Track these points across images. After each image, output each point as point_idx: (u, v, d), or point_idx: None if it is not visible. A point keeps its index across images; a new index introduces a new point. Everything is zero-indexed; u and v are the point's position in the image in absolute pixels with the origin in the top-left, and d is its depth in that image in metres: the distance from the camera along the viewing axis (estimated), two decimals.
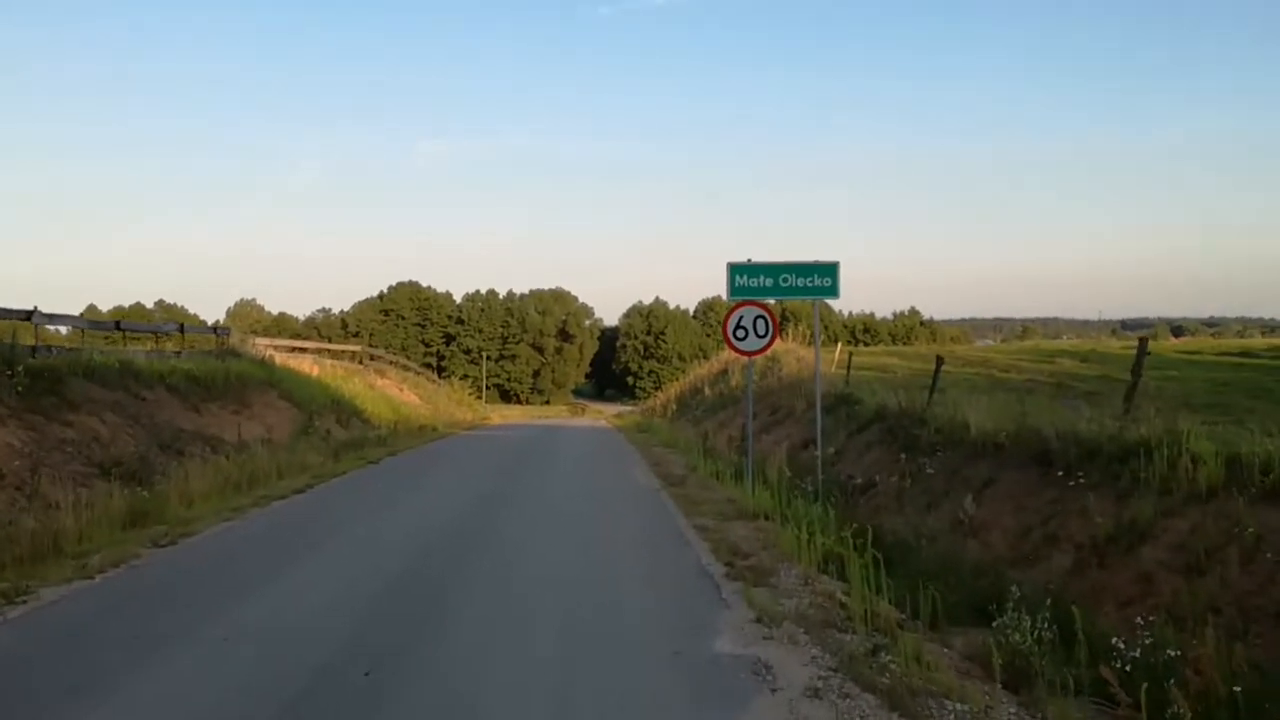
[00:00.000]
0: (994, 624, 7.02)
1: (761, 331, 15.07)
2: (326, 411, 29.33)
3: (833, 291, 15.15)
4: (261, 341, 34.72)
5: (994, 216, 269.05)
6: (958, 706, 5.52)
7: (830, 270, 15.12)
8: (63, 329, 25.44)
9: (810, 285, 15.15)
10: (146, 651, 6.49)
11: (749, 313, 15.06)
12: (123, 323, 23.53)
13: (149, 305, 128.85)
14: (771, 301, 15.57)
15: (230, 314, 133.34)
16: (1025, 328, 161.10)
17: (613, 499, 15.38)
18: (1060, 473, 10.62)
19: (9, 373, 15.29)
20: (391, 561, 9.78)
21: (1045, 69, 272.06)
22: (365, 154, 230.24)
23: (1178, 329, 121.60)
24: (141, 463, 16.11)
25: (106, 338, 26.28)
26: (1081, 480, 10.16)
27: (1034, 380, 27.46)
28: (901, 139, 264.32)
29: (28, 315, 18.74)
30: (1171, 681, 5.45)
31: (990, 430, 12.79)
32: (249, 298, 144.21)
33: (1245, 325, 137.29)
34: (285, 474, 17.84)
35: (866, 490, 15.05)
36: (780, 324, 16.46)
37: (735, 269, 15.16)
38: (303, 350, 40.57)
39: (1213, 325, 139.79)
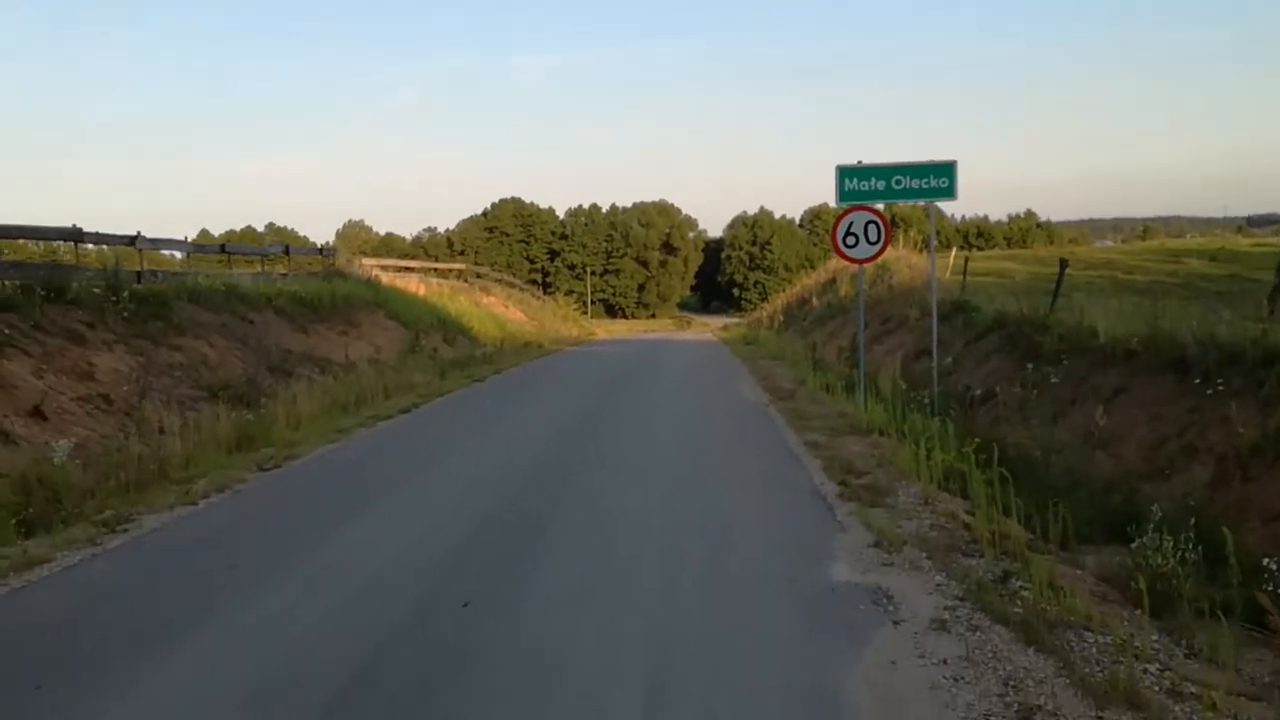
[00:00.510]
0: (1133, 545, 6.49)
1: (873, 238, 14.40)
2: (433, 330, 29.49)
3: (949, 193, 14.38)
4: (368, 262, 35.02)
5: (1111, 113, 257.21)
6: (1099, 638, 5.04)
7: (947, 170, 14.32)
8: (177, 254, 25.62)
9: (925, 187, 14.38)
10: (247, 581, 6.38)
11: (859, 218, 14.39)
12: (228, 245, 23.74)
13: (260, 229, 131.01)
14: (881, 206, 14.88)
15: (339, 235, 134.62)
16: (1146, 227, 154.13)
17: (719, 416, 15.02)
18: (1198, 380, 9.89)
19: (114, 298, 15.43)
20: (493, 484, 9.60)
21: None
22: (466, 72, 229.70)
23: None
24: (250, 385, 16.24)
25: (220, 261, 26.56)
26: (1221, 388, 9.44)
27: (1160, 282, 26.21)
28: (1014, 35, 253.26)
29: (131, 240, 18.87)
30: None
31: (1121, 336, 12.02)
32: (357, 219, 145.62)
33: None
34: (392, 393, 17.87)
35: (986, 401, 14.40)
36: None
37: (845, 172, 14.45)
38: (409, 270, 40.81)
39: None
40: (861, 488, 8.65)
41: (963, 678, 4.54)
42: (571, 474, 10.03)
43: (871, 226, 14.39)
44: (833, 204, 15.04)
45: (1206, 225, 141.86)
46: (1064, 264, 17.49)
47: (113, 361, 14.28)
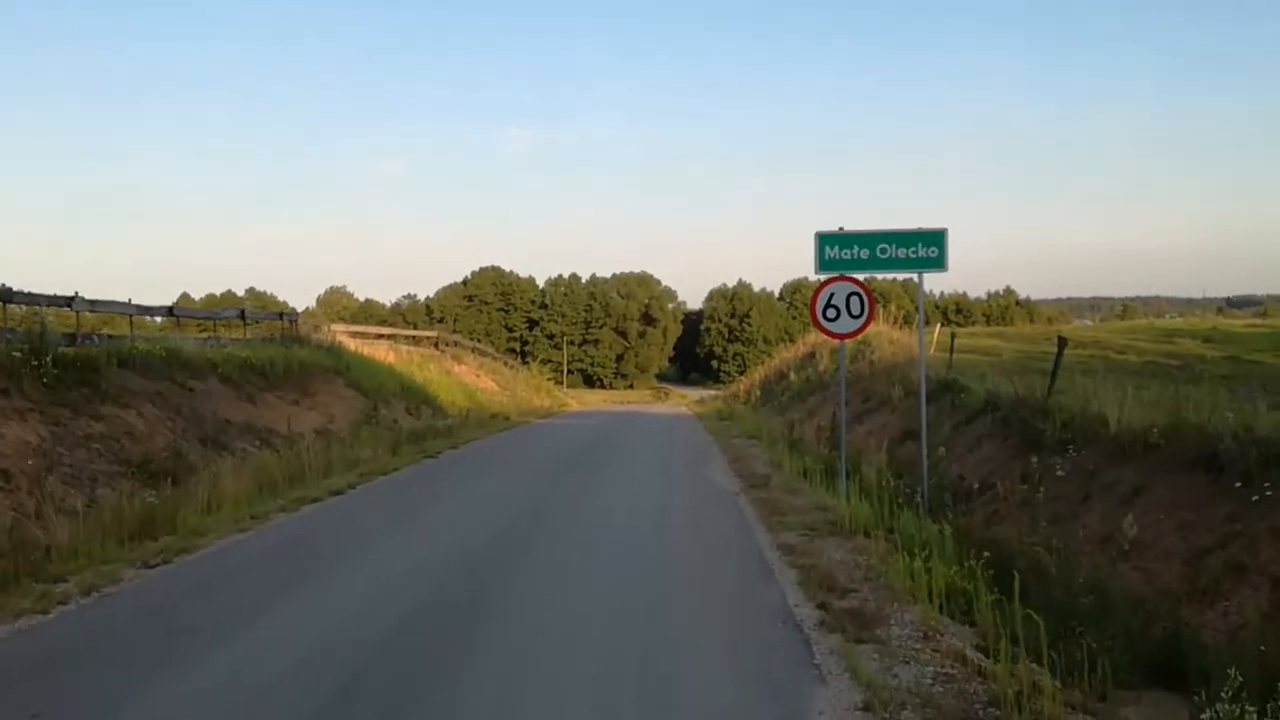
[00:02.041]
0: (1204, 717, 4.98)
1: (855, 311, 13.10)
2: (396, 400, 28.26)
3: (939, 263, 13.08)
4: (337, 328, 34.11)
5: (1088, 191, 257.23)
6: None
7: (937, 238, 13.04)
8: (160, 319, 23.95)
9: (913, 256, 13.08)
10: None
11: (841, 289, 13.08)
12: (176, 308, 22.13)
13: (240, 294, 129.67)
14: (862, 277, 13.56)
15: (320, 302, 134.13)
16: (1125, 306, 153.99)
17: (682, 508, 13.31)
18: (1238, 482, 8.51)
19: (36, 363, 14.07)
20: (397, 599, 7.94)
21: (1141, 34, 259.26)
22: (452, 144, 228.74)
23: None
24: (176, 459, 14.86)
25: (177, 325, 24.97)
26: (1269, 492, 8.05)
27: (1155, 363, 24.86)
28: (993, 113, 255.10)
29: (68, 301, 17.57)
30: None
31: (1137, 426, 10.64)
32: (339, 285, 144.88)
33: None
34: (333, 470, 16.41)
35: (982, 494, 13.00)
36: None
37: (825, 239, 13.15)
38: (379, 336, 39.79)
39: None
40: (846, 613, 7.03)
41: None
42: (495, 584, 8.40)
43: (854, 298, 13.12)
44: (812, 276, 13.73)
45: (1186, 306, 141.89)
46: (1062, 342, 16.10)
47: (22, 432, 12.85)
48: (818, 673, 5.85)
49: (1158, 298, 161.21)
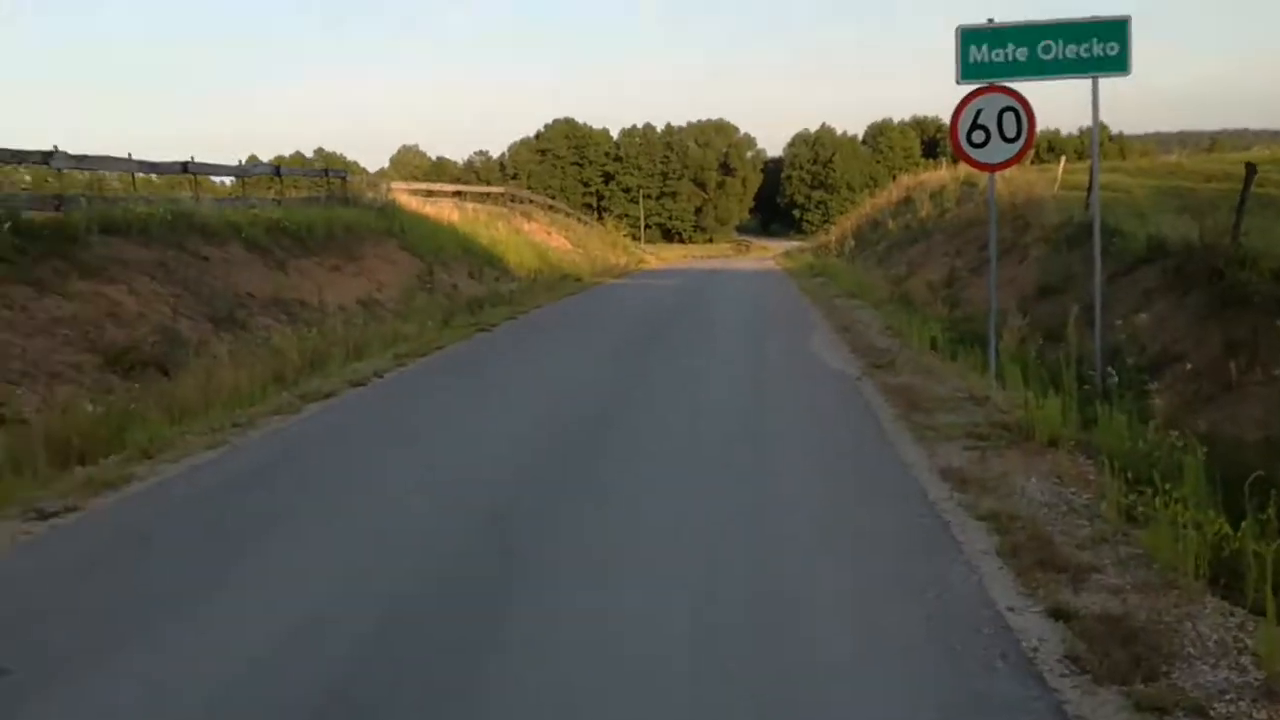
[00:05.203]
0: None
1: (1010, 132, 9.87)
2: (456, 263, 25.82)
3: (1120, 64, 9.72)
4: (396, 185, 31.62)
5: (1171, 25, 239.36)
6: None
7: (1117, 31, 9.66)
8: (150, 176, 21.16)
9: (1085, 56, 9.72)
10: None
11: (992, 103, 9.84)
12: (192, 164, 19.11)
13: (309, 154, 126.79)
14: (1016, 85, 10.23)
15: (392, 162, 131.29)
16: (1214, 140, 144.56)
17: (786, 404, 9.90)
18: None
19: None
20: (352, 605, 5.18)
21: None
22: None
23: None
24: (169, 344, 12.35)
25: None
26: None
27: None
28: None
29: (45, 158, 14.85)
30: None
31: None
32: (411, 144, 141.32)
33: None
34: (367, 350, 13.94)
35: (1165, 368, 9.98)
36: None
37: (970, 35, 9.84)
38: (444, 194, 37.14)
39: None
40: (1102, 627, 3.90)
41: None
42: (518, 532, 5.63)
43: (1008, 115, 9.93)
44: (949, 93, 10.48)
45: (1273, 138, 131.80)
46: (1251, 170, 12.63)
47: None
48: None
49: (1246, 130, 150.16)
